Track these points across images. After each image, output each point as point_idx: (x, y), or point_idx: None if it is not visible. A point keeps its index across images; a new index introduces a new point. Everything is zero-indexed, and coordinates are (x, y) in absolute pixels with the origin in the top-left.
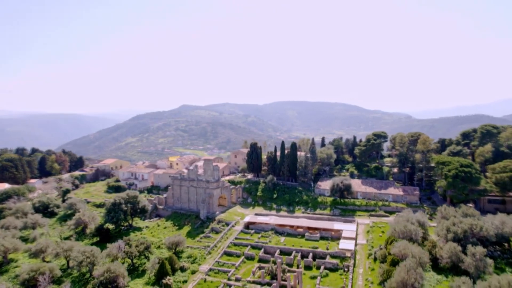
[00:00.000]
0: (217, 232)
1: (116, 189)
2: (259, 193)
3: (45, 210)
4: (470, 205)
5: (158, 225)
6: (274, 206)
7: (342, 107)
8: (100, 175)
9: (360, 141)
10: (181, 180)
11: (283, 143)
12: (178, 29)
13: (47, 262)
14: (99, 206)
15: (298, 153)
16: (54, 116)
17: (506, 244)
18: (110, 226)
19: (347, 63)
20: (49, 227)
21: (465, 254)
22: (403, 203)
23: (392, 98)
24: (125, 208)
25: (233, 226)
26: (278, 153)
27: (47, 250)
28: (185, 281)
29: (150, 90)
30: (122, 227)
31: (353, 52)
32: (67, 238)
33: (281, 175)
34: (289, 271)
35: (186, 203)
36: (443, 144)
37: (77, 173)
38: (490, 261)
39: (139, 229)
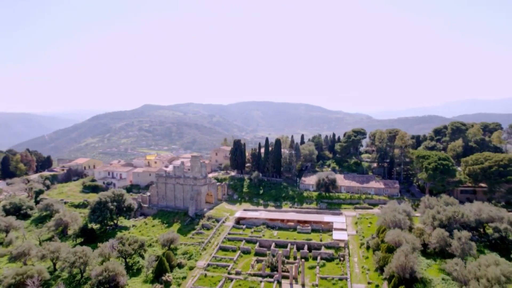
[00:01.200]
0: (208, 229)
1: (93, 188)
2: (245, 190)
3: (16, 212)
4: (446, 195)
5: (146, 224)
6: (261, 201)
7: (305, 108)
8: (72, 175)
9: (339, 138)
10: (166, 177)
11: (267, 140)
12: (137, 27)
13: (30, 265)
14: (78, 206)
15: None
16: (3, 116)
17: (481, 230)
18: (95, 226)
19: (310, 65)
20: (24, 229)
21: (452, 238)
22: (385, 195)
23: (352, 99)
24: (112, 207)
25: (223, 222)
26: (262, 150)
27: (30, 252)
28: (184, 277)
29: (109, 89)
30: (108, 227)
31: (316, 53)
32: (47, 241)
33: (266, 171)
34: (287, 262)
35: (172, 201)
36: (418, 140)
37: (47, 173)
38: (473, 244)
39: (125, 228)
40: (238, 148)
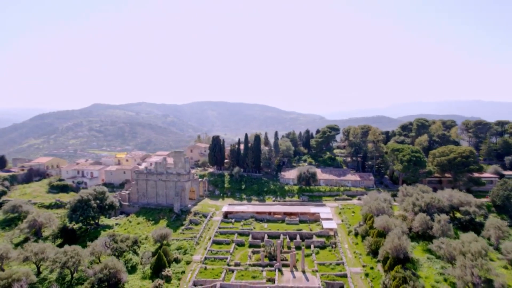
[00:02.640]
0: (196, 224)
1: (62, 188)
2: (226, 185)
3: None
4: (421, 185)
5: (130, 222)
6: (244, 196)
7: (260, 108)
8: (34, 175)
9: (312, 134)
10: (147, 174)
11: (246, 136)
12: (84, 22)
13: (15, 268)
14: (50, 207)
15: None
16: None
17: (451, 214)
18: (74, 226)
19: (265, 66)
20: None
21: (433, 221)
22: (361, 187)
23: (306, 100)
24: (94, 205)
25: (211, 217)
26: (241, 146)
27: (9, 255)
28: (183, 272)
29: (54, 87)
30: (89, 227)
31: (270, 54)
32: (21, 243)
33: (246, 167)
34: (284, 252)
35: (154, 198)
36: (387, 136)
37: (4, 174)
38: (451, 225)
39: (108, 227)
40: (217, 144)
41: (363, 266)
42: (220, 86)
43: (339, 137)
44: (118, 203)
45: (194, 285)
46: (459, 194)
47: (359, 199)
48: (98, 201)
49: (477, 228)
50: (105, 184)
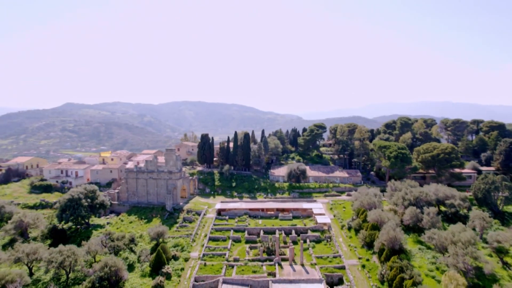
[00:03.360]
0: (190, 222)
1: (45, 188)
2: (217, 183)
3: None
4: (408, 180)
5: (122, 220)
6: (235, 194)
7: (238, 108)
8: (12, 175)
9: (299, 132)
10: (137, 172)
11: (235, 134)
12: (56, 20)
13: (6, 269)
14: (34, 207)
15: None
16: None
17: (436, 207)
18: (63, 226)
19: (242, 66)
20: None
21: (422, 214)
22: (350, 183)
23: (283, 101)
24: (86, 204)
25: (204, 214)
26: (230, 145)
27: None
28: (182, 269)
29: (23, 86)
30: (79, 226)
31: (247, 55)
32: (6, 245)
33: (235, 164)
34: (282, 247)
35: (144, 197)
36: (372, 133)
37: None
38: (439, 217)
39: (100, 226)
40: (206, 142)
41: (359, 258)
42: (197, 86)
43: (325, 135)
44: (109, 202)
45: (196, 281)
46: (444, 188)
47: (348, 195)
48: (89, 200)
49: (462, 220)
50: (91, 183)
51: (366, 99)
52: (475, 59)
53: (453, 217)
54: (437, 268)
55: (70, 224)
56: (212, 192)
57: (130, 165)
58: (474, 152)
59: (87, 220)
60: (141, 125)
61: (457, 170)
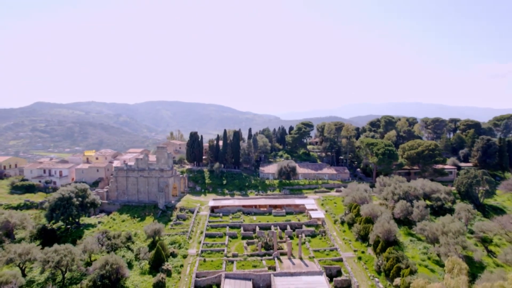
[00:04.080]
0: (184, 219)
1: (27, 188)
2: (207, 181)
3: None
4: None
5: (114, 219)
6: (226, 191)
7: (216, 108)
8: None
9: (285, 130)
10: (127, 170)
11: (225, 132)
12: (23, 15)
13: None
14: (18, 208)
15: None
16: None
17: (423, 201)
18: (52, 226)
19: (220, 66)
20: None
21: (412, 207)
22: (338, 180)
23: (260, 101)
24: (77, 203)
25: (198, 212)
26: (220, 143)
27: None
28: (181, 266)
29: None
30: (69, 226)
31: (226, 55)
32: None
33: (225, 162)
34: (279, 242)
35: (135, 195)
36: (358, 131)
37: None
38: (428, 210)
39: (91, 225)
40: (195, 140)
41: (355, 251)
42: (174, 85)
43: (312, 134)
44: (100, 201)
45: (197, 277)
46: (430, 183)
47: (337, 191)
48: (80, 199)
49: (447, 212)
50: (76, 183)
51: (341, 100)
52: (444, 61)
53: (439, 210)
54: (429, 258)
55: (59, 224)
56: (203, 190)
57: (116, 164)
58: (452, 149)
59: (77, 220)
60: (117, 125)
61: (439, 166)
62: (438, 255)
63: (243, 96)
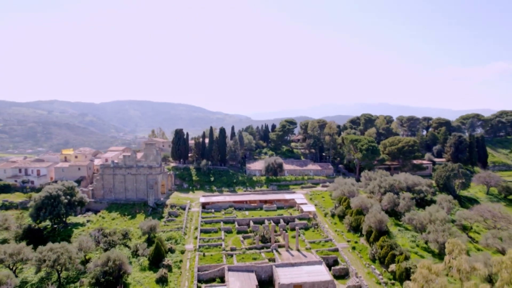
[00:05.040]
0: (176, 216)
1: (2, 189)
2: (195, 178)
3: None
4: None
5: (103, 218)
6: (215, 188)
7: (186, 108)
8: None
9: (268, 128)
10: (114, 168)
11: (211, 129)
12: None
13: None
14: None
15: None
16: None
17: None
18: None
19: (188, 66)
20: None
21: (399, 199)
22: (323, 176)
23: (231, 101)
24: (66, 201)
25: (189, 208)
26: (206, 140)
27: None
28: (181, 261)
29: None
30: (57, 225)
31: (195, 54)
32: None
33: (212, 160)
34: (274, 235)
35: (122, 193)
36: (339, 129)
37: None
38: (413, 202)
39: (80, 224)
40: (181, 138)
41: (348, 241)
42: (143, 84)
43: (296, 131)
44: (88, 199)
45: (199, 270)
46: (412, 177)
47: (323, 186)
48: (68, 197)
49: (429, 204)
50: (55, 182)
51: (310, 101)
52: (410, 63)
53: (421, 202)
54: (417, 245)
55: (45, 223)
56: (191, 187)
57: (98, 162)
58: (427, 145)
59: (64, 219)
60: (83, 125)
61: (418, 161)
62: (426, 242)
63: (214, 96)
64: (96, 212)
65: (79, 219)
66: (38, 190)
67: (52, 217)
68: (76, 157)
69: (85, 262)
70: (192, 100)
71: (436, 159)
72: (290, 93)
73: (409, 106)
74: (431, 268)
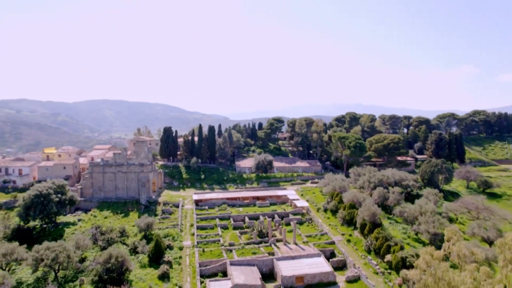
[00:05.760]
0: (170, 213)
1: None
2: (185, 176)
3: None
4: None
5: (95, 216)
6: (205, 186)
7: (163, 108)
8: None
9: (255, 125)
10: (104, 166)
11: (200, 127)
12: None
13: None
14: None
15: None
16: None
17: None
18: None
19: (166, 65)
20: None
21: (388, 193)
22: (311, 172)
23: (208, 101)
24: (56, 199)
25: (182, 206)
26: (195, 138)
27: None
28: (180, 257)
29: None
30: (47, 225)
31: (171, 54)
32: None
33: (201, 157)
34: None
35: (112, 192)
36: (325, 127)
37: None
38: (402, 195)
39: (71, 223)
40: (170, 136)
41: (342, 234)
42: (118, 84)
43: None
44: (78, 198)
45: (200, 266)
46: (399, 172)
47: (312, 182)
48: (59, 195)
49: (415, 198)
50: (40, 182)
51: (288, 101)
52: (385, 65)
53: (408, 196)
54: (409, 237)
55: (33, 223)
56: (181, 185)
57: (83, 161)
58: (408, 143)
59: (54, 218)
60: (55, 125)
61: (403, 157)
62: (417, 233)
63: (191, 96)
64: (85, 211)
65: (69, 218)
66: (22, 190)
67: (43, 216)
68: (59, 156)
69: (81, 261)
70: (169, 100)
71: (418, 156)
72: (267, 94)
73: (383, 106)
74: (433, 254)
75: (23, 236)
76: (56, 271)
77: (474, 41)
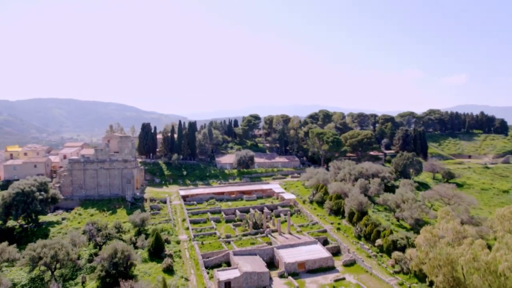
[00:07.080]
0: (159, 209)
1: None
2: (166, 172)
3: None
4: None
5: (80, 214)
6: (188, 182)
7: (118, 107)
8: None
9: (232, 123)
10: (85, 163)
11: (180, 123)
12: None
13: None
14: None
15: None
16: None
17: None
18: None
19: (120, 64)
20: None
21: (369, 184)
22: (290, 167)
23: (165, 101)
24: (40, 197)
25: (170, 201)
26: (175, 135)
27: None
28: (179, 251)
29: None
30: (28, 225)
31: (127, 52)
32: None
33: (182, 154)
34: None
35: (94, 189)
36: (300, 124)
37: None
38: (382, 186)
39: (55, 223)
40: (148, 132)
41: (331, 223)
42: (67, 81)
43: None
44: (61, 196)
45: (203, 258)
46: (375, 166)
47: (292, 177)
48: (43, 193)
49: (392, 188)
50: (8, 181)
51: (245, 101)
52: (340, 67)
53: (385, 186)
54: (392, 223)
55: (12, 223)
56: (164, 182)
57: (54, 159)
58: (376, 139)
59: (34, 217)
60: None
61: (375, 152)
62: (398, 219)
63: (146, 96)
64: (66, 210)
65: (52, 217)
66: None
67: (27, 215)
68: (25, 154)
69: (79, 257)
70: (123, 99)
71: (386, 151)
72: (225, 94)
73: (339, 107)
74: (432, 232)
75: (3, 237)
76: (53, 270)
77: (417, 47)
